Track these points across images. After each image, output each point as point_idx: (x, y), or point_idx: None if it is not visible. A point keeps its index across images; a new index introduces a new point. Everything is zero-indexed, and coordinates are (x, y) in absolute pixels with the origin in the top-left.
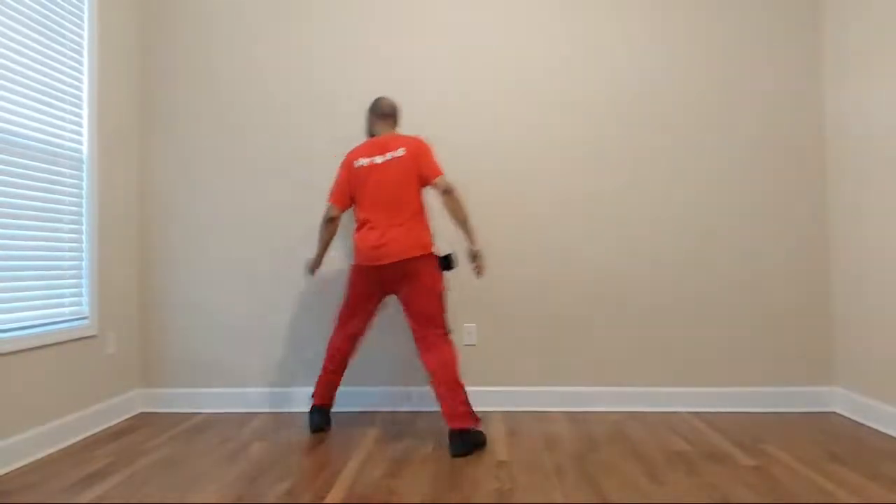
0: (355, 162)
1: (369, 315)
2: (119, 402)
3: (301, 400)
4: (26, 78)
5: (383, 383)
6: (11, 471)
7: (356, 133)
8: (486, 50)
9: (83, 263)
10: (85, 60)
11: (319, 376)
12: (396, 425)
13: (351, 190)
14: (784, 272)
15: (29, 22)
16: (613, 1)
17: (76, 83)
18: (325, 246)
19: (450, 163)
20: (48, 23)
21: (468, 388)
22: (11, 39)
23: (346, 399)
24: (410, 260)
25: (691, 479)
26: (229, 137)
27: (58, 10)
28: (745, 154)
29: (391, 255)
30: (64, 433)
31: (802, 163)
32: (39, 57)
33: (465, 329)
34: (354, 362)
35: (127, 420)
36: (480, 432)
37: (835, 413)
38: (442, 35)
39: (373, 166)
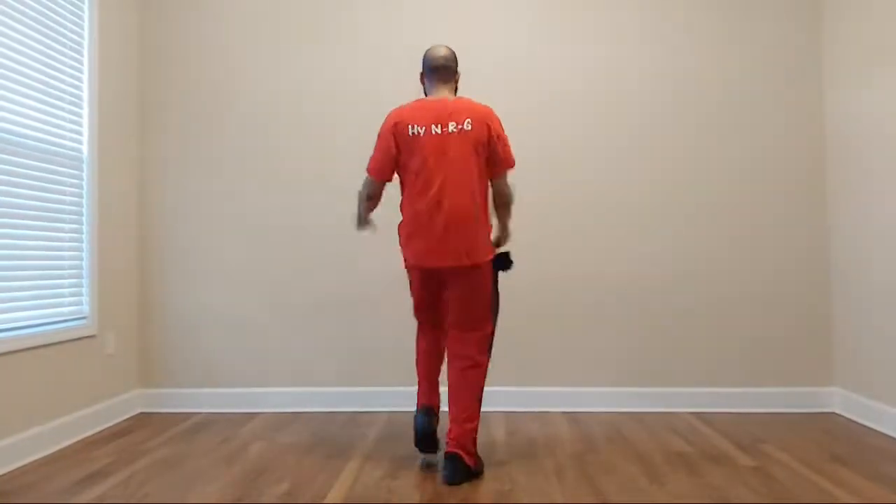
0: (410, 127)
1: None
2: (118, 403)
3: (301, 400)
4: (26, 78)
5: (384, 383)
6: (11, 471)
7: (356, 133)
8: (495, 49)
9: (83, 263)
10: (85, 60)
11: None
12: (396, 425)
13: (399, 162)
14: (784, 272)
15: (29, 22)
16: (613, 3)
17: (76, 83)
18: (360, 216)
19: None
20: (48, 23)
21: None
22: (11, 39)
23: (347, 399)
24: (471, 266)
25: (691, 480)
26: (229, 137)
27: (58, 9)
28: (744, 155)
29: (449, 258)
30: (63, 433)
31: (802, 163)
32: (39, 57)
33: None
34: (354, 362)
35: (126, 420)
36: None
37: (834, 413)
38: (449, 31)
39: (430, 137)
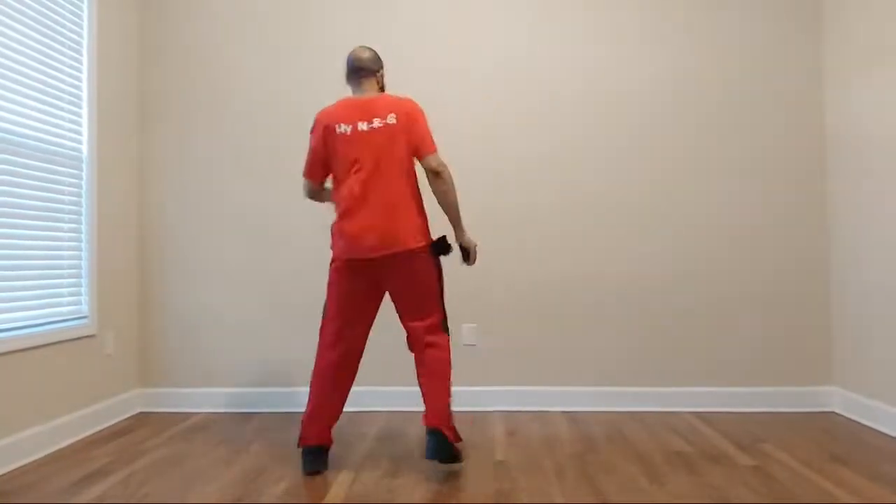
0: (337, 127)
1: (368, 321)
2: (118, 402)
3: (301, 400)
4: (26, 78)
5: (384, 383)
6: (11, 471)
7: None
8: (495, 49)
9: (82, 263)
10: (85, 60)
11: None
12: (396, 425)
13: (327, 161)
14: (784, 272)
15: (29, 22)
16: (613, 3)
17: (76, 83)
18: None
19: (452, 160)
20: (48, 23)
21: (468, 388)
22: (11, 39)
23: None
24: (405, 252)
25: (691, 480)
26: (229, 137)
27: (58, 9)
28: (744, 155)
29: (381, 247)
30: (63, 433)
31: (802, 163)
32: (39, 57)
33: (464, 329)
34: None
35: (126, 420)
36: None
37: (834, 413)
38: (448, 31)
39: (356, 134)
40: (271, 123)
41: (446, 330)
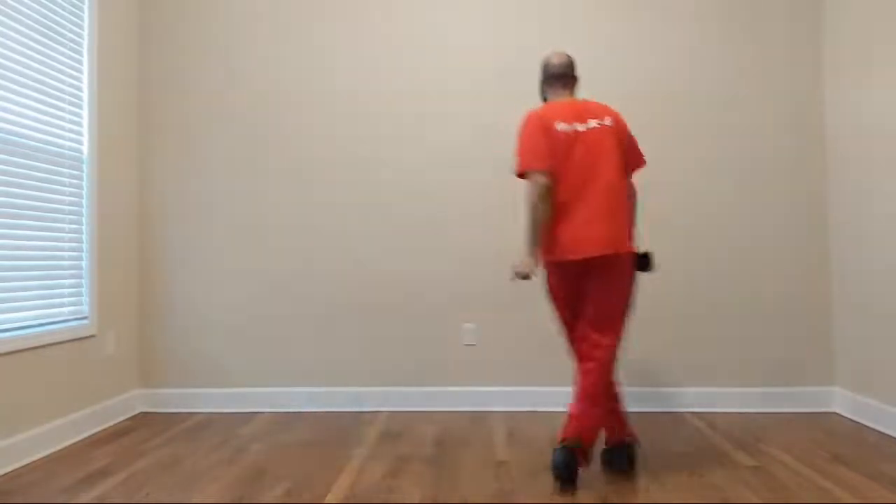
0: (556, 124)
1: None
2: (118, 402)
3: (301, 400)
4: (26, 78)
5: (383, 383)
6: (11, 471)
7: (358, 132)
8: (497, 50)
9: (83, 263)
10: (85, 60)
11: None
12: (396, 425)
13: (553, 157)
14: (784, 272)
15: (29, 22)
16: (612, 6)
17: (76, 83)
18: (541, 229)
19: (452, 159)
20: (48, 23)
21: (468, 388)
22: (11, 39)
23: (347, 399)
24: (615, 256)
25: (691, 479)
26: (229, 137)
27: (58, 10)
28: (744, 155)
29: (596, 248)
30: (64, 433)
31: (802, 163)
32: (39, 57)
33: (464, 329)
34: (355, 362)
35: (126, 420)
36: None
37: (835, 413)
38: (454, 32)
39: (577, 134)
40: (272, 124)
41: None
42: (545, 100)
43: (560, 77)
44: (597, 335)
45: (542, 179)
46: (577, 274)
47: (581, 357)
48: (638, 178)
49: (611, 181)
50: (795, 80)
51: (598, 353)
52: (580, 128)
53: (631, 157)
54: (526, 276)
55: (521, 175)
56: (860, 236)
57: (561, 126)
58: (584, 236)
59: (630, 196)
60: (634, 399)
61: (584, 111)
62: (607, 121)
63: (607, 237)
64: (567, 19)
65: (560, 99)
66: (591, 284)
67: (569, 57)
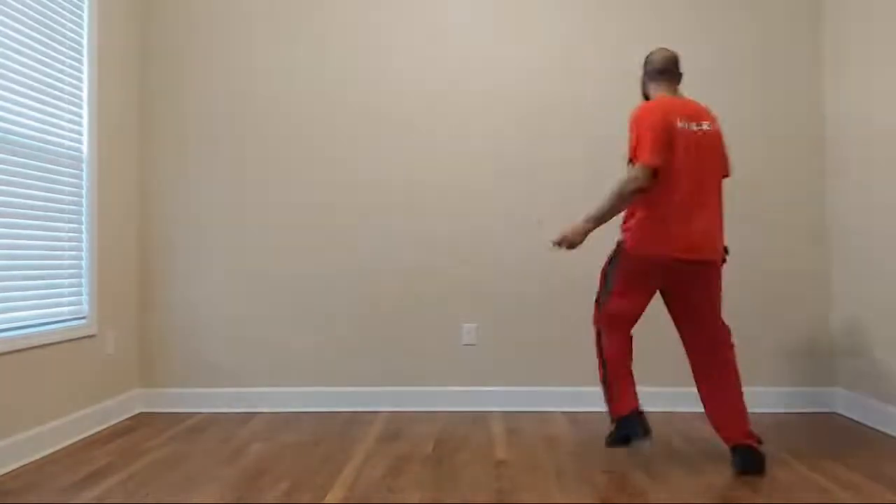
0: (678, 121)
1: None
2: (118, 402)
3: (301, 400)
4: (26, 78)
5: (384, 383)
6: (11, 471)
7: (357, 132)
8: (498, 50)
9: (82, 263)
10: (85, 60)
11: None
12: (396, 425)
13: (669, 156)
14: (784, 273)
15: (29, 22)
16: (612, 4)
17: (76, 83)
18: (606, 220)
19: (452, 160)
20: (48, 23)
21: (468, 388)
22: (11, 39)
23: (347, 399)
24: (716, 261)
25: (691, 480)
26: (229, 137)
27: (58, 9)
28: (744, 154)
29: (707, 250)
30: (63, 433)
31: (802, 162)
32: (39, 57)
33: (464, 329)
34: (355, 361)
35: (126, 420)
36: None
37: (836, 413)
38: (455, 33)
39: (692, 134)
40: (272, 123)
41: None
42: (646, 96)
43: (665, 72)
44: (720, 333)
45: (647, 174)
46: (671, 273)
47: (713, 355)
48: None
49: (720, 187)
50: (795, 79)
51: (729, 351)
52: (695, 128)
53: (725, 165)
54: (571, 247)
55: (635, 162)
56: (860, 236)
57: (681, 124)
58: (700, 240)
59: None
60: None
61: (697, 111)
62: (715, 125)
63: (717, 244)
64: (565, 20)
65: (668, 95)
66: (690, 286)
67: (674, 52)
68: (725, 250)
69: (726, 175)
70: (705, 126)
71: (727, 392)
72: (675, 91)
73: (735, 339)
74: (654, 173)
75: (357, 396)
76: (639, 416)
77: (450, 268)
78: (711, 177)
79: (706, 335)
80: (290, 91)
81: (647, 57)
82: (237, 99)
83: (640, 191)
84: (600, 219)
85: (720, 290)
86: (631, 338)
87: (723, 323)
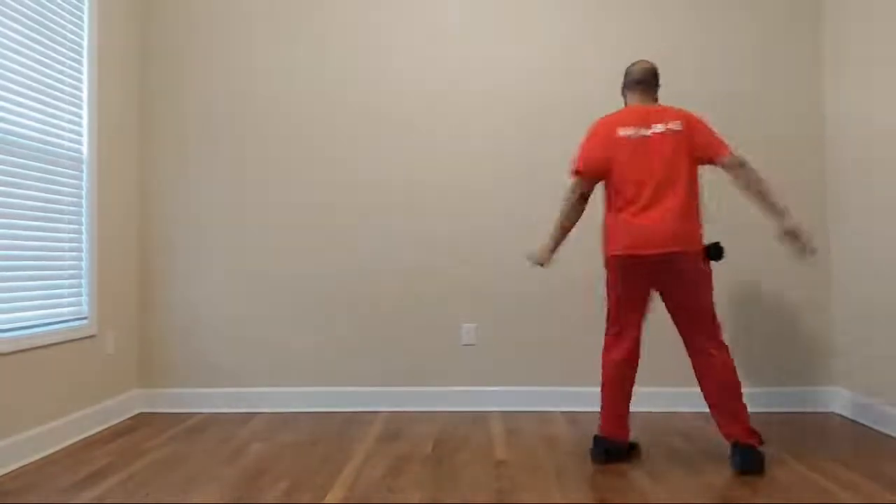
0: (619, 130)
1: (643, 317)
2: (118, 402)
3: (301, 400)
4: (26, 78)
5: (384, 383)
6: (11, 471)
7: (356, 132)
8: (500, 51)
9: (83, 263)
10: (85, 61)
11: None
12: (396, 425)
13: (607, 163)
14: (784, 272)
15: (29, 22)
16: (613, 5)
17: (76, 83)
18: (566, 231)
19: (452, 161)
20: (48, 23)
21: (468, 388)
22: (11, 39)
23: (347, 399)
24: (680, 254)
25: (691, 480)
26: (229, 137)
27: (58, 10)
28: (744, 154)
29: (659, 244)
30: (63, 433)
31: (802, 163)
32: (39, 57)
33: (464, 329)
34: (355, 361)
35: (126, 420)
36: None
37: (835, 413)
38: (455, 34)
39: (641, 139)
40: (271, 124)
41: (722, 339)
42: (626, 104)
43: (641, 83)
44: (709, 329)
45: (575, 181)
46: (641, 271)
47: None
48: None
49: (684, 182)
50: (795, 80)
51: (717, 348)
52: (644, 132)
53: (704, 153)
54: (541, 264)
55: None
56: (860, 236)
57: (624, 132)
58: (652, 235)
59: (742, 173)
60: (635, 399)
61: (651, 116)
62: (676, 125)
63: (677, 236)
64: (565, 19)
65: (634, 104)
66: (664, 283)
67: (651, 64)
68: (712, 248)
69: (712, 159)
70: (659, 128)
71: (722, 389)
72: (650, 100)
73: (734, 340)
74: (587, 181)
75: (357, 396)
76: (603, 440)
77: (450, 268)
78: (668, 174)
79: (694, 331)
80: (290, 91)
81: (627, 68)
82: (237, 99)
83: (577, 197)
84: (555, 234)
85: (700, 284)
86: (633, 348)
87: (713, 320)
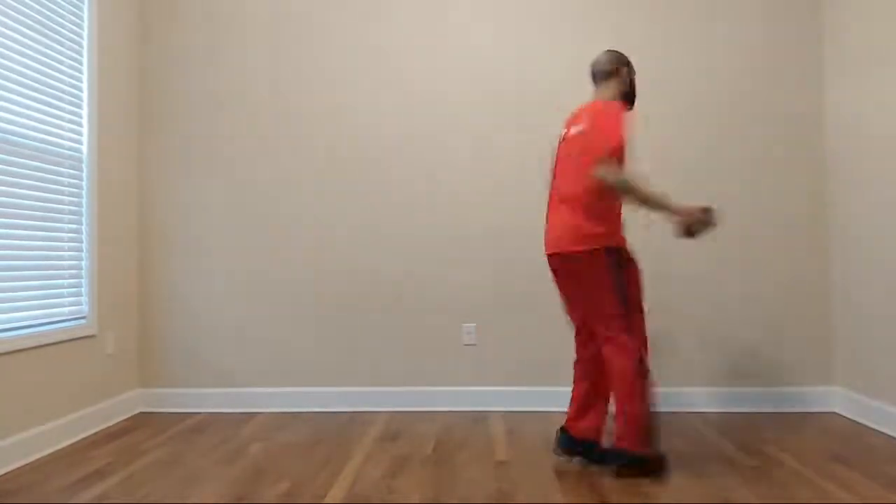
0: (564, 130)
1: (579, 315)
2: (118, 402)
3: (301, 400)
4: (26, 78)
5: (384, 383)
6: (11, 471)
7: (356, 132)
8: (502, 52)
9: (82, 263)
10: (85, 60)
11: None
12: (396, 425)
13: (553, 164)
14: (784, 272)
15: (29, 22)
16: (613, 7)
17: (76, 83)
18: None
19: (451, 160)
20: (48, 23)
21: (468, 388)
22: (11, 39)
23: (347, 399)
24: (569, 254)
25: (691, 480)
26: (229, 137)
27: (57, 10)
28: (744, 155)
29: (551, 244)
30: (63, 433)
31: (802, 164)
32: (39, 57)
33: (464, 329)
34: (354, 362)
35: (126, 420)
36: (646, 458)
37: (835, 413)
38: (455, 34)
39: (564, 140)
40: (271, 124)
41: (623, 331)
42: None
43: (593, 76)
44: (598, 328)
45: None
46: (554, 270)
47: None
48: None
49: (583, 184)
50: (795, 81)
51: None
52: (569, 132)
53: (588, 154)
54: (708, 224)
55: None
56: (860, 236)
57: (563, 132)
58: (552, 236)
59: (611, 195)
60: None
61: (578, 115)
62: (581, 126)
63: (569, 238)
64: (565, 21)
65: (594, 99)
66: (561, 280)
67: (605, 53)
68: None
69: (593, 159)
70: (574, 130)
71: (611, 384)
72: (600, 94)
73: (734, 339)
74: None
75: (357, 396)
76: (561, 431)
77: (450, 268)
78: (570, 176)
79: (594, 325)
80: (290, 91)
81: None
82: (237, 99)
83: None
84: (664, 199)
85: (593, 285)
86: (583, 341)
87: (612, 318)
